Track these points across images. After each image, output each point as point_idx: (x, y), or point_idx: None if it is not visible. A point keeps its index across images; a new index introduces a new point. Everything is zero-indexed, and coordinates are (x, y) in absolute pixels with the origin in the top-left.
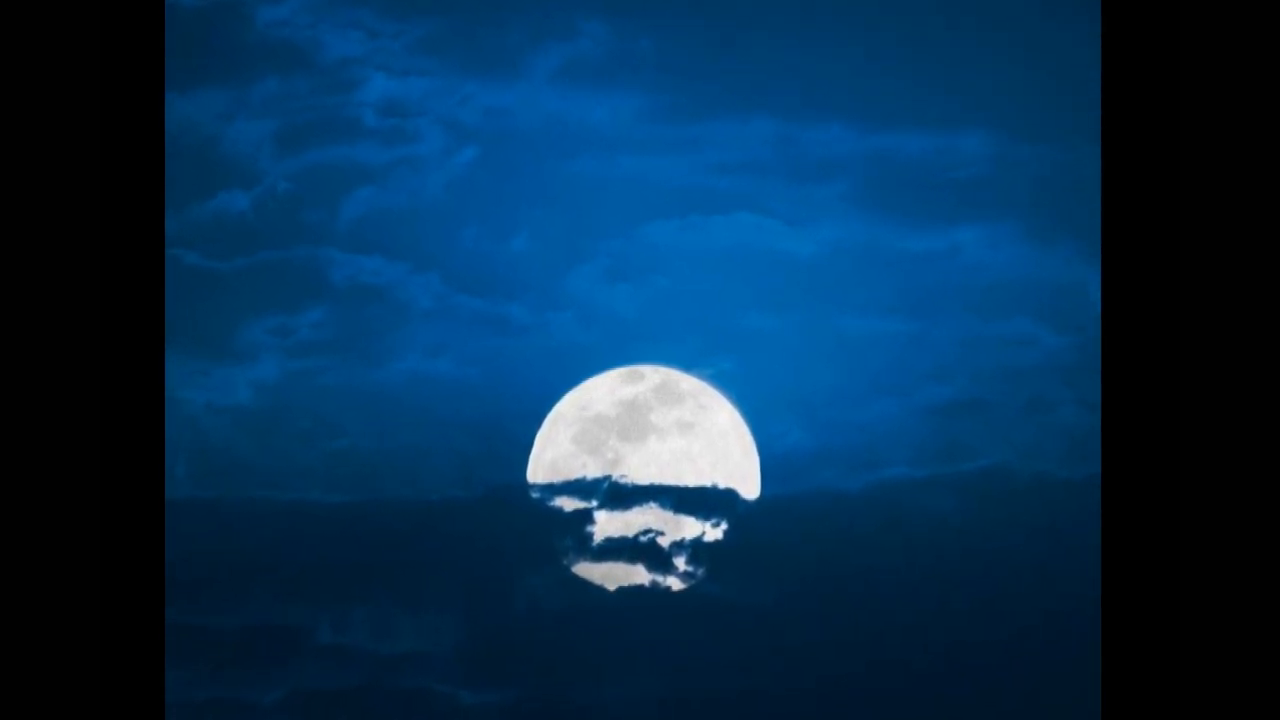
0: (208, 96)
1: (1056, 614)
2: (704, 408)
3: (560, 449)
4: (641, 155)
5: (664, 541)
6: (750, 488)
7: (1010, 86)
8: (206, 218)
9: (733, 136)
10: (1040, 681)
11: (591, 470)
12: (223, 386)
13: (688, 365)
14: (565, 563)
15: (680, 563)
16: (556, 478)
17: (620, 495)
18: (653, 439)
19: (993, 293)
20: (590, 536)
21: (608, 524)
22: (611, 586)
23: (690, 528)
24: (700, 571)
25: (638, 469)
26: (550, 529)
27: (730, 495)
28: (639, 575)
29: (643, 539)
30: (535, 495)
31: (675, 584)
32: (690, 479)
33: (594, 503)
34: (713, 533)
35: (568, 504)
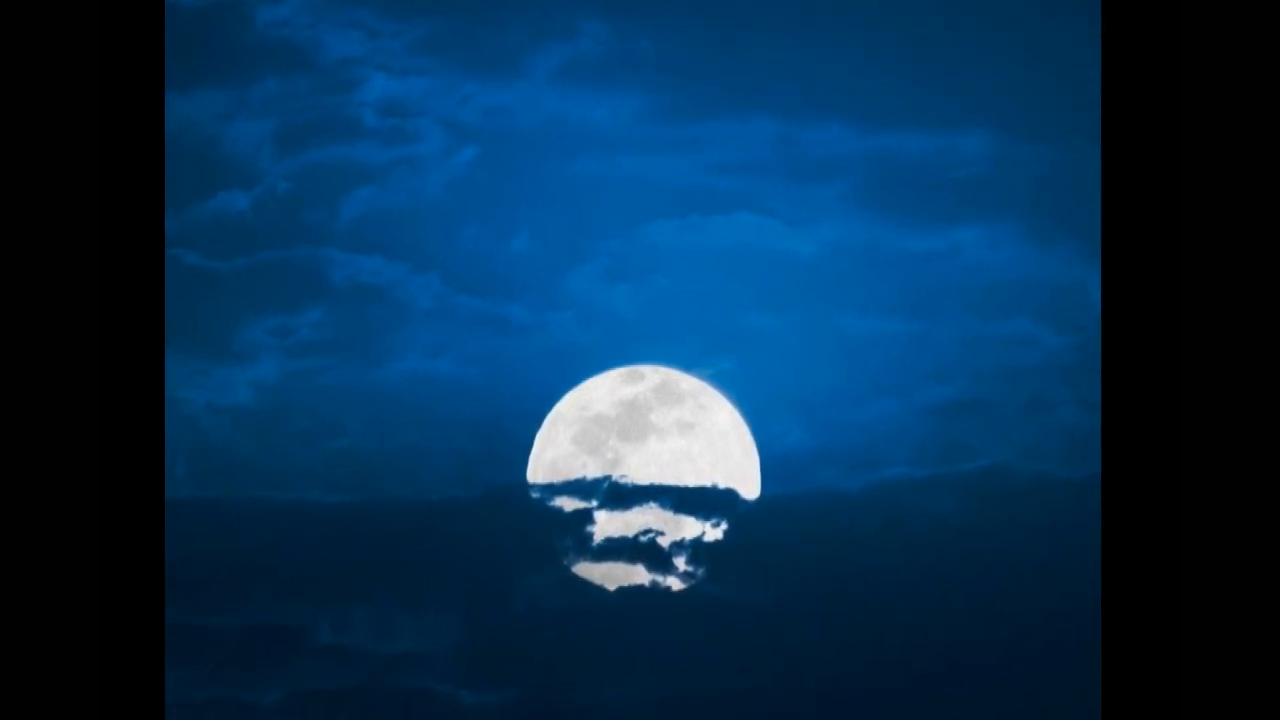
0: (208, 96)
1: (1056, 614)
2: (704, 408)
3: (560, 449)
4: (641, 155)
5: (664, 541)
6: (750, 488)
7: (1010, 86)
8: (206, 218)
9: (733, 136)
10: (1040, 681)
11: (591, 470)
12: (223, 386)
13: (688, 365)
14: (565, 563)
15: (680, 563)
16: (556, 478)
17: (620, 495)
18: (653, 439)
19: (993, 293)
20: (590, 536)
21: (608, 524)
22: (611, 586)
23: (690, 528)
24: (700, 571)
25: (638, 469)
26: (550, 529)
27: (730, 495)
28: (639, 575)
29: (643, 539)
30: (535, 495)
31: (675, 584)
32: (690, 479)
33: (594, 503)
34: (713, 533)
35: (568, 504)
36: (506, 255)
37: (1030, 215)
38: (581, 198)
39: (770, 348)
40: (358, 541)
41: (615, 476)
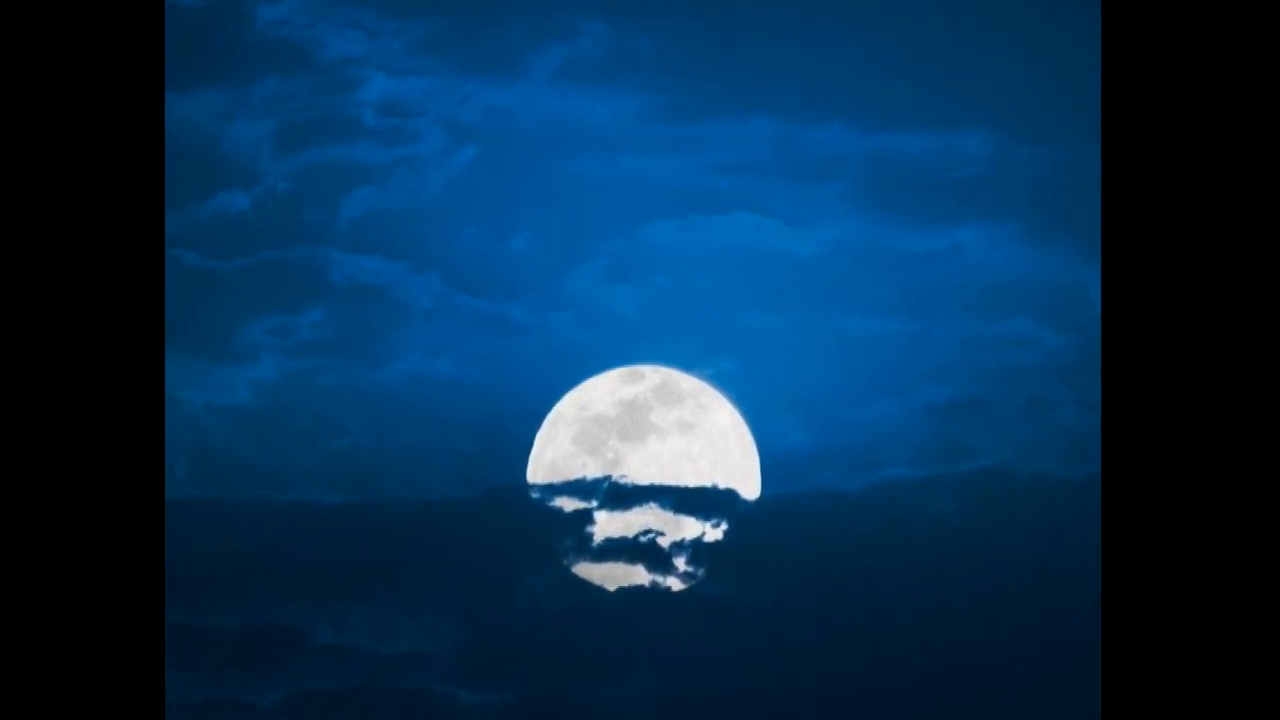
0: (207, 96)
1: (1056, 614)
2: (704, 408)
3: (560, 449)
4: (641, 155)
5: (664, 542)
6: (750, 488)
7: (1010, 86)
8: (206, 218)
9: (733, 136)
10: (1040, 681)
11: (591, 470)
12: (222, 386)
13: (688, 365)
14: (565, 563)
15: (680, 563)
16: (556, 478)
17: (620, 495)
18: (653, 439)
19: (993, 293)
20: (590, 537)
21: (608, 524)
22: (611, 587)
23: (690, 528)
24: (700, 572)
25: (638, 469)
26: (550, 529)
27: (730, 495)
28: (639, 575)
29: (643, 539)
30: (535, 495)
31: (675, 584)
32: (690, 479)
33: (594, 503)
34: (713, 533)
35: (568, 504)
36: (506, 255)
37: (1030, 215)
38: (581, 198)
39: (770, 348)
40: (358, 542)
41: (615, 476)
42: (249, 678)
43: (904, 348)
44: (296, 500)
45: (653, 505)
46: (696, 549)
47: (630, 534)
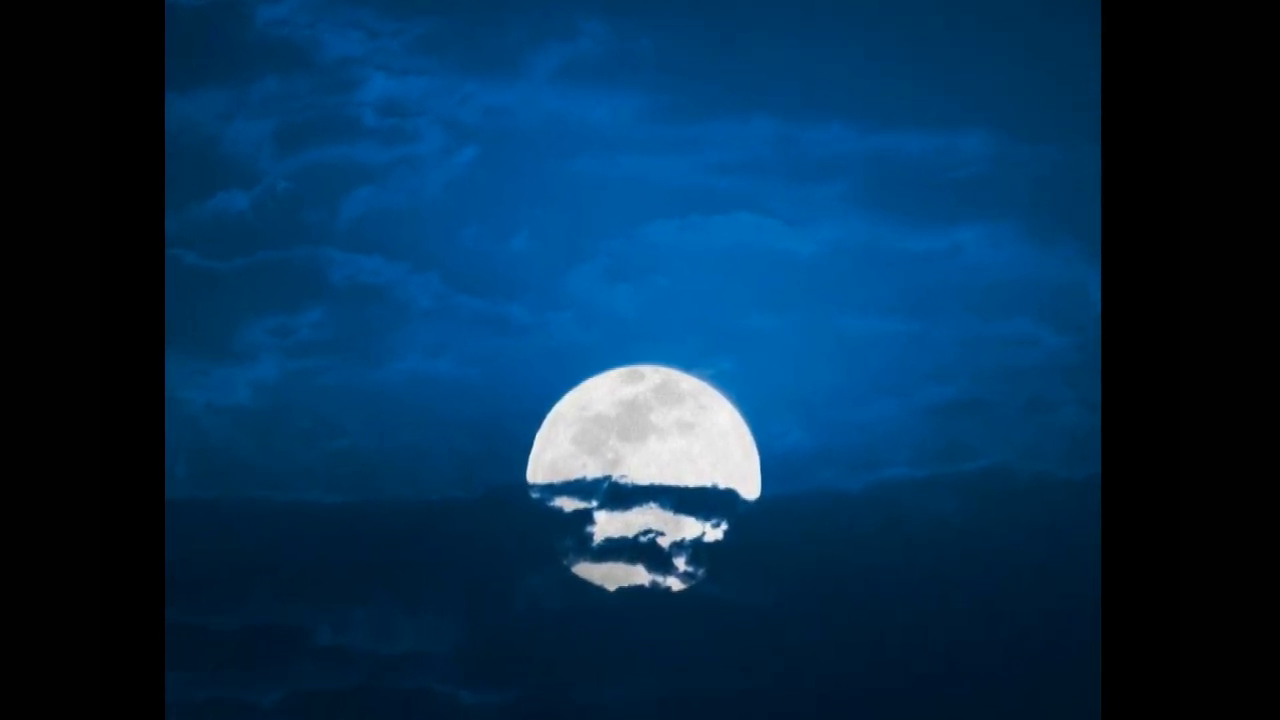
0: (207, 96)
1: (1056, 614)
2: (704, 408)
3: (560, 449)
4: (641, 155)
5: (664, 542)
6: (750, 488)
7: (1010, 86)
8: (206, 217)
9: (733, 136)
10: (1040, 681)
11: (591, 470)
12: (222, 386)
13: (688, 365)
14: (565, 563)
15: (680, 563)
16: (556, 478)
17: (620, 495)
18: (653, 439)
19: (993, 293)
20: (590, 537)
21: (608, 524)
22: (611, 587)
23: (690, 528)
24: (700, 572)
25: (638, 469)
26: (550, 529)
27: (730, 495)
28: (639, 576)
29: (643, 539)
30: (535, 495)
31: (675, 584)
32: (690, 479)
33: (594, 503)
34: (713, 533)
35: (568, 504)
36: (506, 255)
37: (1030, 215)
38: (581, 197)
39: (770, 348)
40: (357, 542)
41: (615, 477)
42: (249, 678)
43: (904, 348)
44: (296, 500)
45: (653, 505)
46: (696, 549)
47: (630, 534)
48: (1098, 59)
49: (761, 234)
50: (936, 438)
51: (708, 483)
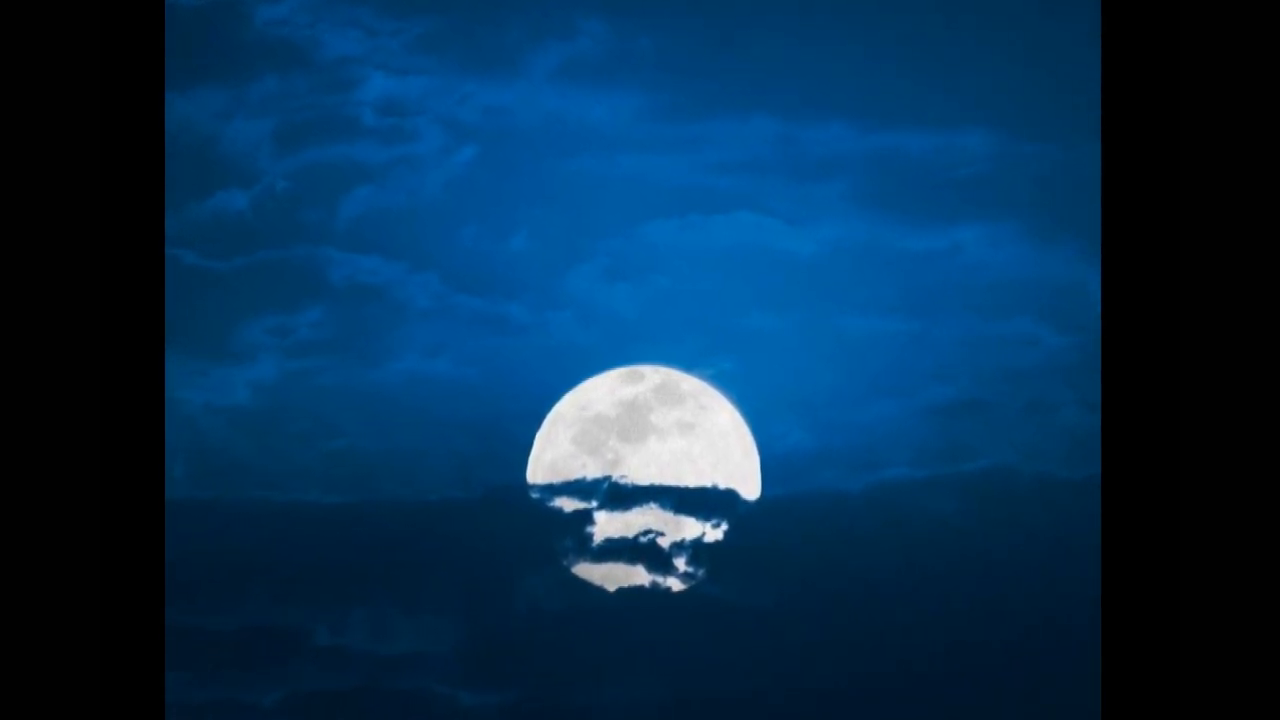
0: (206, 95)
1: (1057, 614)
2: (704, 408)
3: (560, 449)
4: (641, 155)
5: (664, 542)
6: (751, 488)
7: (1011, 85)
8: (205, 217)
9: (733, 136)
10: (1040, 682)
11: (591, 471)
12: (221, 386)
13: (688, 365)
14: (565, 563)
15: (680, 564)
16: (556, 478)
17: (620, 496)
18: (653, 439)
19: (994, 292)
20: (590, 537)
21: (608, 525)
22: (611, 587)
23: (690, 528)
24: (700, 572)
25: (638, 469)
26: (550, 530)
27: (731, 496)
28: (639, 576)
29: (643, 540)
30: (535, 496)
31: (675, 585)
32: (690, 479)
33: (594, 503)
34: (713, 533)
35: (567, 505)
36: (505, 255)
37: (1031, 214)
38: (581, 197)
39: (770, 348)
40: (356, 542)
41: (615, 477)
42: (248, 678)
43: (904, 348)
44: (295, 501)
45: (653, 506)
46: (697, 549)
47: (630, 534)
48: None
49: (761, 233)
50: (937, 438)
51: (708, 483)
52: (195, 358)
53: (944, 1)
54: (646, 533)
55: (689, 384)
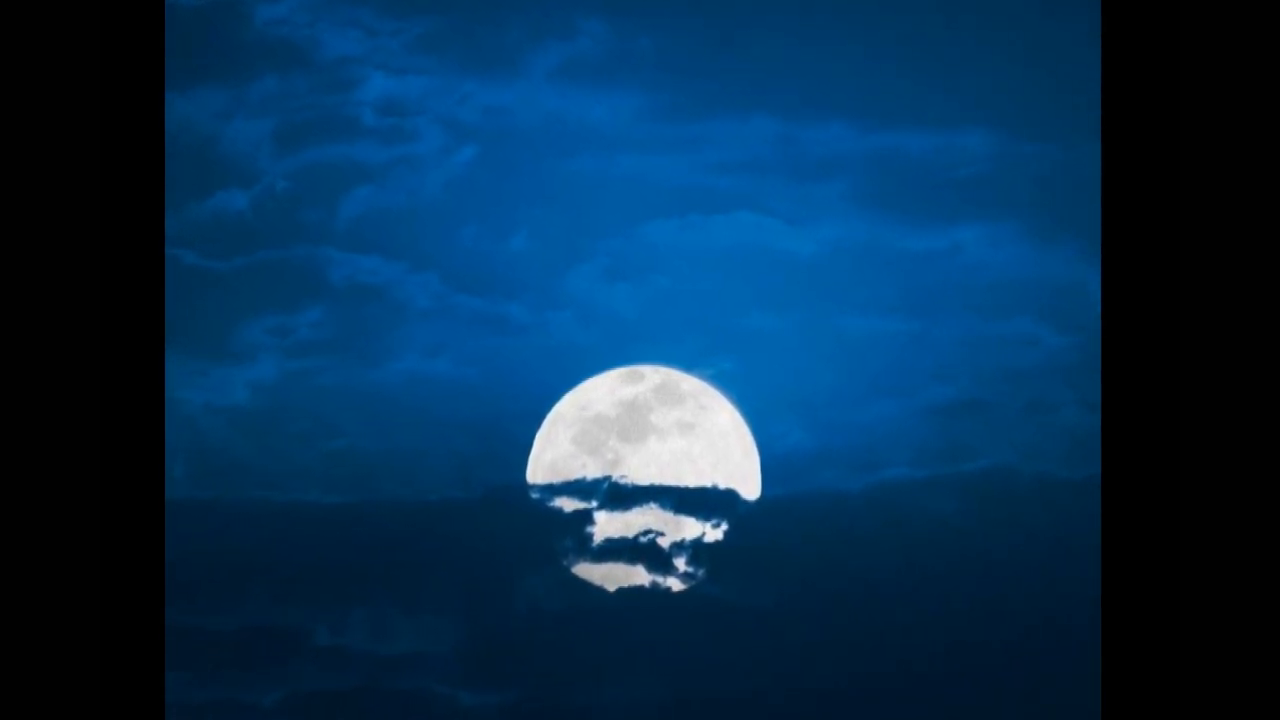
0: (206, 95)
1: (1057, 614)
2: (704, 408)
3: (560, 449)
4: (641, 155)
5: (664, 542)
6: (751, 488)
7: (1011, 85)
8: (205, 217)
9: (733, 136)
10: (1040, 682)
11: (591, 471)
12: (221, 386)
13: (688, 365)
14: (565, 563)
15: (680, 564)
16: (556, 478)
17: (620, 496)
18: (653, 439)
19: (994, 292)
20: (590, 537)
21: (608, 525)
22: (611, 587)
23: (690, 528)
24: (700, 572)
25: (638, 469)
26: (550, 530)
27: (731, 496)
28: (639, 576)
29: (643, 540)
30: (535, 496)
31: (675, 585)
32: (690, 479)
33: (594, 503)
34: (713, 533)
35: (567, 505)
36: (505, 255)
37: (1031, 214)
38: (581, 197)
39: (770, 348)
40: (356, 542)
41: (615, 477)
42: (248, 678)
43: (904, 348)
44: (295, 501)
45: (653, 506)
46: (697, 549)
47: (630, 534)
48: (1098, 59)
49: (761, 233)
50: (937, 438)
51: (708, 483)
52: (195, 358)
53: (944, 1)
54: (646, 533)
55: (689, 384)
